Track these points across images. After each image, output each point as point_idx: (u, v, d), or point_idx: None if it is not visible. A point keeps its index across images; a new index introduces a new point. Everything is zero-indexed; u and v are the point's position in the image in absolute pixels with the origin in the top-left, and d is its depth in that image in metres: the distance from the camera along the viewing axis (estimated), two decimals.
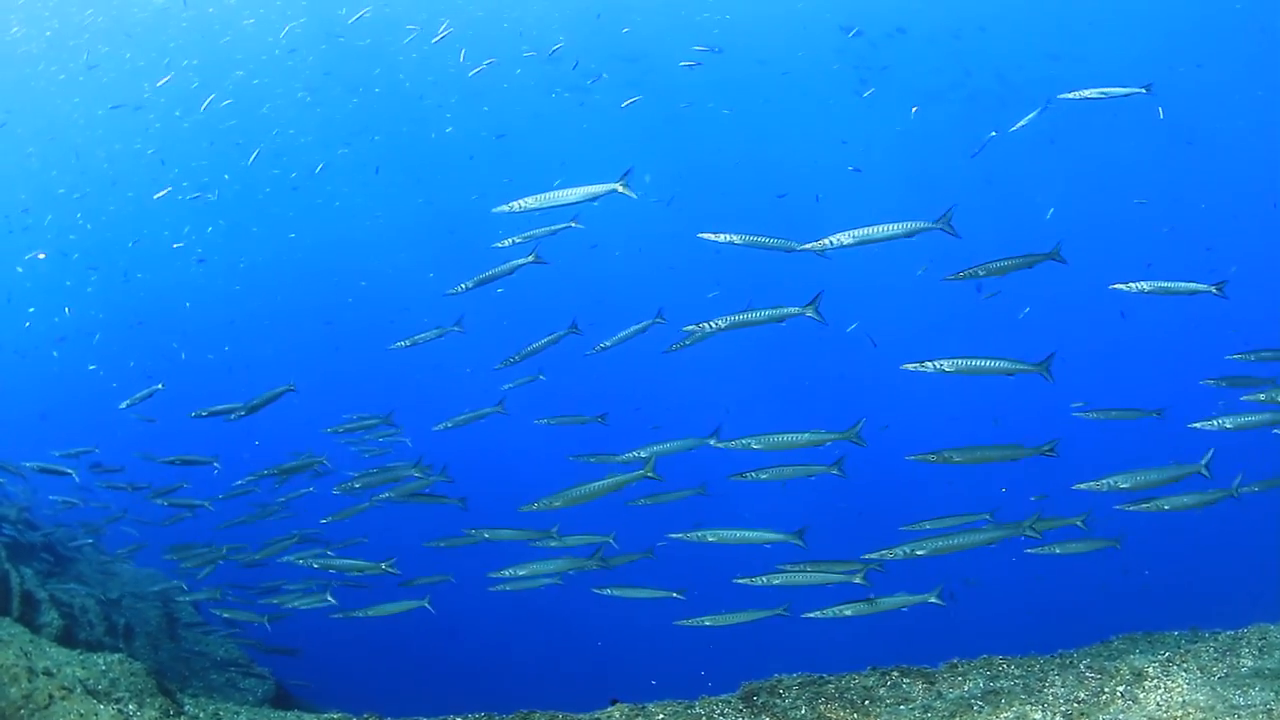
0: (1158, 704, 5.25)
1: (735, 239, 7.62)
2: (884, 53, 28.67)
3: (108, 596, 12.41)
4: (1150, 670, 5.68)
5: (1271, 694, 5.00)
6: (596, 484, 7.91)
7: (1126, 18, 28.88)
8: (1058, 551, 8.39)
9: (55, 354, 31.51)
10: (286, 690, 13.90)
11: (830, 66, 29.51)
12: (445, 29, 19.41)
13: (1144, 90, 9.41)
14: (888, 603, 7.62)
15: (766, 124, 33.11)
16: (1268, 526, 22.98)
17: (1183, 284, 7.99)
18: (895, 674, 6.35)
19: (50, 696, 5.71)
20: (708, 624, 8.28)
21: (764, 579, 7.91)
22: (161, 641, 12.79)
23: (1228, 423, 7.88)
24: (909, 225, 7.17)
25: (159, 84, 26.53)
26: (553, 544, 9.31)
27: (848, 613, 7.46)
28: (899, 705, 5.91)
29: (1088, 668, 5.94)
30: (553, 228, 8.58)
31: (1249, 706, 4.92)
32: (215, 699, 9.40)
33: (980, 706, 5.57)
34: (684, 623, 8.41)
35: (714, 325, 7.64)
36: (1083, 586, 23.50)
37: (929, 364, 7.16)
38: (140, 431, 13.60)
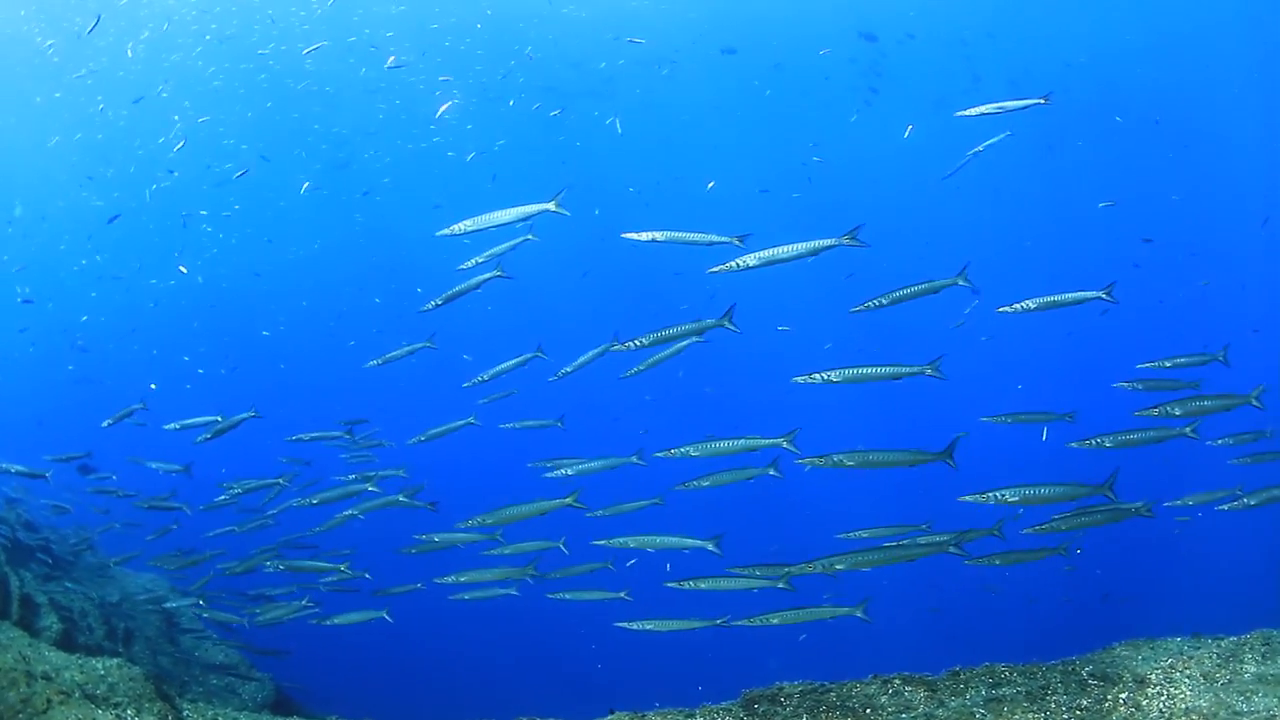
0: (1161, 710, 5.23)
1: (659, 236, 7.77)
2: (894, 59, 28.70)
3: (107, 601, 12.39)
4: (1153, 677, 5.66)
5: (1275, 699, 4.98)
6: (525, 506, 8.42)
7: (1136, 23, 28.82)
8: (998, 563, 8.06)
9: (71, 367, 31.44)
10: (286, 695, 13.87)
11: (841, 72, 29.46)
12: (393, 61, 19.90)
13: (1043, 101, 9.42)
14: (812, 614, 7.70)
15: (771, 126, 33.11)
16: (1270, 532, 22.96)
17: (1070, 295, 7.80)
18: (897, 682, 6.32)
19: (49, 701, 5.69)
20: (649, 628, 8.41)
21: (690, 583, 8.05)
22: (160, 646, 12.77)
23: (1107, 441, 7.57)
24: (814, 244, 7.23)
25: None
26: (507, 551, 9.62)
27: (774, 621, 7.52)
28: (901, 713, 5.89)
29: (1090, 675, 5.92)
30: (511, 242, 8.78)
31: (1252, 712, 4.90)
32: (214, 704, 9.37)
33: (983, 714, 5.55)
34: (625, 625, 8.55)
35: (639, 342, 7.80)
36: (1085, 593, 23.47)
37: (817, 375, 7.20)
38: (142, 439, 13.59)
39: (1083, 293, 7.85)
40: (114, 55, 26.68)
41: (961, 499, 7.22)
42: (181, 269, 28.66)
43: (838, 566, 6.94)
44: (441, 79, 26.99)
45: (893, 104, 29.83)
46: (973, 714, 5.57)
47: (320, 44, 20.40)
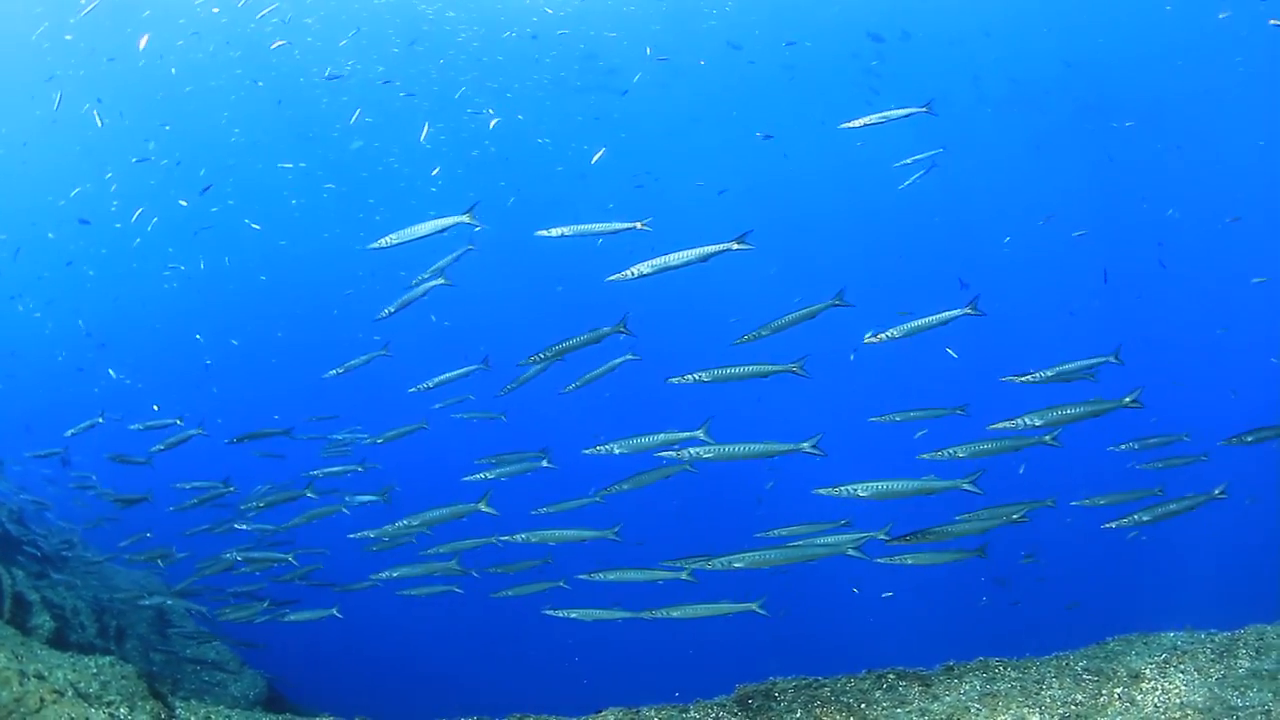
0: (1155, 705, 5.22)
1: (567, 231, 8.06)
2: (892, 58, 28.67)
3: (98, 598, 12.35)
4: (1147, 672, 5.66)
5: (1269, 694, 4.98)
6: (439, 511, 8.84)
7: (1135, 22, 28.80)
8: (909, 562, 7.85)
9: (80, 369, 31.36)
10: (279, 692, 13.84)
11: (842, 71, 29.46)
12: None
13: (925, 109, 9.77)
14: (712, 609, 7.81)
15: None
16: (1263, 527, 23.03)
17: (934, 317, 7.77)
18: (891, 677, 6.31)
19: (41, 700, 5.66)
20: (574, 616, 8.73)
21: (601, 575, 8.25)
22: (152, 643, 12.73)
23: (960, 452, 7.45)
24: (704, 250, 7.41)
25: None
26: (442, 548, 9.98)
27: (674, 615, 7.71)
28: (895, 709, 5.88)
29: (1085, 670, 5.92)
30: (454, 255, 9.25)
31: (1247, 707, 4.89)
32: (207, 702, 9.33)
33: (977, 709, 5.55)
34: (551, 612, 8.84)
35: (544, 355, 8.29)
36: (1079, 589, 23.52)
37: (689, 376, 7.42)
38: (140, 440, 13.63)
39: (946, 313, 7.84)
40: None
41: (816, 491, 7.25)
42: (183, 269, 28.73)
43: (736, 564, 7.00)
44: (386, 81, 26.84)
45: (892, 104, 29.74)
46: (967, 709, 5.56)
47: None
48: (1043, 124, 30.61)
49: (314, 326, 33.84)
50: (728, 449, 7.47)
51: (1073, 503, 9.09)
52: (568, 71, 30.09)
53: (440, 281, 9.23)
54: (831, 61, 29.54)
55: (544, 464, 9.48)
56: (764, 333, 7.60)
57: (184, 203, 26.21)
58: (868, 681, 6.34)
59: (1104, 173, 30.95)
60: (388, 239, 8.39)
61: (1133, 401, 7.39)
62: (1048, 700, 5.52)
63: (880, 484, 7.00)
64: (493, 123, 29.93)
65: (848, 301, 7.63)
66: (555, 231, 8.09)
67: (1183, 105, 30.09)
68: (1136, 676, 5.62)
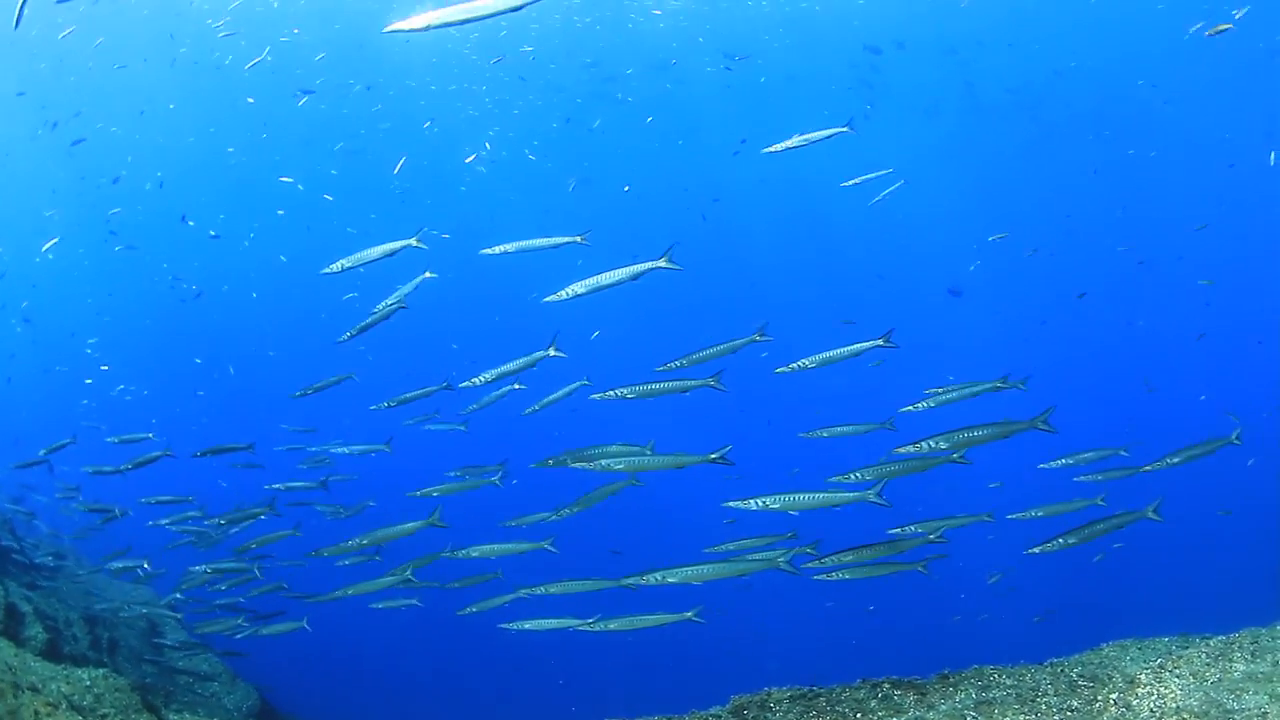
0: (1151, 710, 5.22)
1: (509, 247, 8.51)
2: (886, 69, 28.74)
3: (89, 609, 12.29)
4: (1143, 677, 5.66)
5: (1265, 698, 4.99)
6: (394, 528, 9.09)
7: (1127, 30, 28.90)
8: (846, 576, 7.87)
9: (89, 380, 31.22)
10: (271, 704, 13.79)
11: (842, 81, 29.54)
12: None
13: (846, 129, 9.84)
14: (649, 620, 7.97)
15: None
16: (1258, 531, 23.10)
17: (847, 349, 7.92)
18: (886, 686, 6.30)
19: (36, 713, 5.62)
20: (528, 628, 8.77)
21: (542, 588, 8.52)
22: (145, 655, 12.67)
23: (867, 474, 7.44)
24: (634, 269, 7.67)
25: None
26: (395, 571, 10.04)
27: (613, 626, 7.88)
28: (891, 717, 5.87)
29: (1080, 675, 5.92)
30: (414, 282, 9.53)
31: (1243, 711, 4.90)
32: (200, 714, 9.31)
33: (973, 717, 5.54)
34: (507, 626, 8.95)
35: (484, 377, 8.96)
36: (1074, 593, 23.56)
37: (612, 392, 7.66)
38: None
39: (859, 344, 7.96)
40: None
41: (725, 504, 7.41)
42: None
43: (670, 580, 7.06)
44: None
45: (887, 114, 29.88)
46: (963, 716, 5.56)
47: None
48: (1034, 131, 30.76)
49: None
50: (640, 461, 7.58)
51: (1009, 516, 8.97)
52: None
53: (401, 307, 9.44)
54: (829, 72, 29.63)
55: (496, 481, 9.90)
56: (683, 363, 7.81)
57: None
58: (863, 691, 6.33)
59: (1090, 181, 31.07)
60: (341, 263, 8.73)
61: (1043, 423, 7.36)
62: (1043, 707, 5.52)
63: (789, 496, 7.18)
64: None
65: (768, 335, 7.89)
66: (498, 249, 8.48)
67: (1160, 112, 30.24)
68: (1132, 682, 5.63)
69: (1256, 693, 5.09)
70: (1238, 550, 24.41)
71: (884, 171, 12.43)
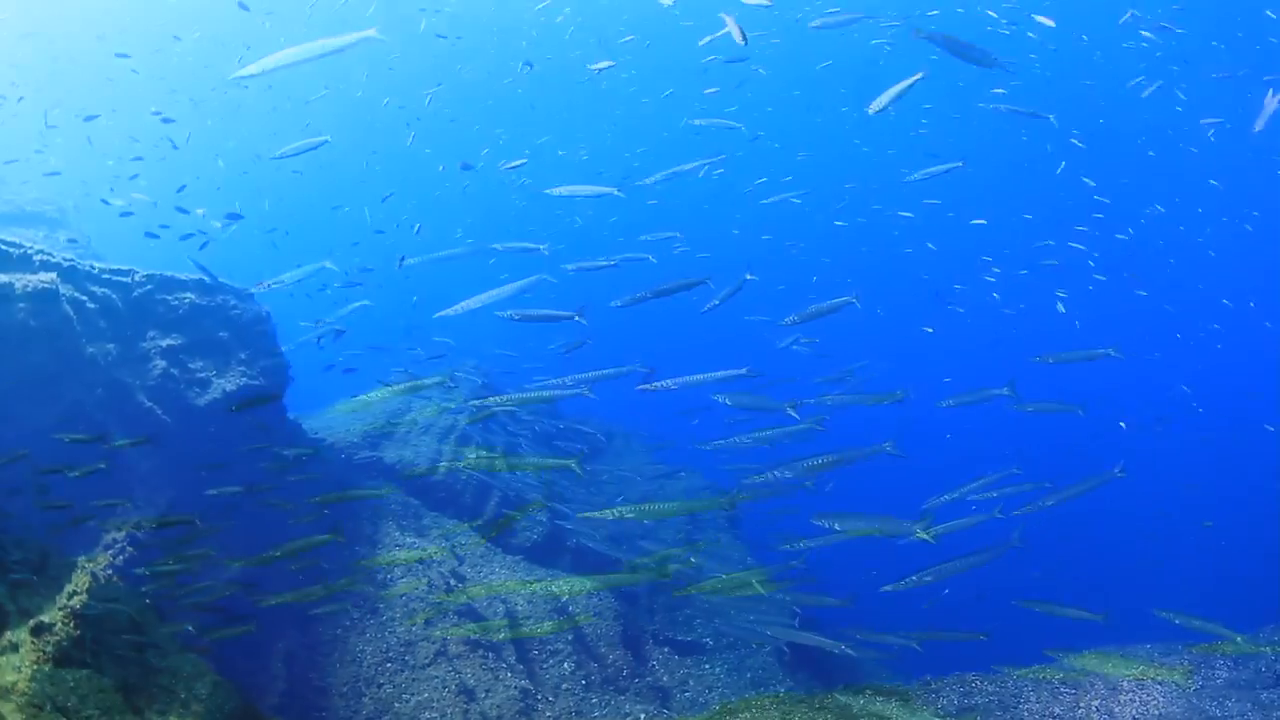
0: (1134, 717, 5.22)
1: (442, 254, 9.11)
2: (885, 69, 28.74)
3: (74, 609, 12.13)
4: (1125, 684, 5.66)
5: (1248, 704, 4.99)
6: (297, 542, 8.99)
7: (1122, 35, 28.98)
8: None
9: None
10: (254, 705, 13.63)
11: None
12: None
13: (719, 158, 11.00)
14: (561, 624, 8.65)
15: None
16: (1234, 540, 23.18)
17: (720, 371, 8.16)
18: (869, 692, 6.28)
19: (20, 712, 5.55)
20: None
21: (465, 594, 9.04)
22: (128, 656, 12.51)
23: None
24: (521, 282, 8.18)
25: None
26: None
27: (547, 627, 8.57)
28: None
29: (1062, 683, 5.91)
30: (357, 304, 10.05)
31: (1225, 717, 4.89)
32: (183, 715, 9.21)
33: None
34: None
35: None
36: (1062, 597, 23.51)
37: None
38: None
39: (730, 370, 8.24)
40: None
41: (581, 515, 7.88)
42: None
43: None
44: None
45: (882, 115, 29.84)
46: None
47: None
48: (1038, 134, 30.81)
49: None
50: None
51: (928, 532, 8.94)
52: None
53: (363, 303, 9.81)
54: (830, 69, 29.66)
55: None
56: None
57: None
58: (846, 697, 6.30)
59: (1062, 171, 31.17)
60: (274, 280, 9.07)
61: (890, 448, 7.59)
62: (1026, 714, 5.51)
63: (644, 506, 7.30)
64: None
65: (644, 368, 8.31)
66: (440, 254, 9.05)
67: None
68: (1114, 689, 5.62)
69: (1239, 700, 5.09)
70: (1218, 559, 24.45)
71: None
